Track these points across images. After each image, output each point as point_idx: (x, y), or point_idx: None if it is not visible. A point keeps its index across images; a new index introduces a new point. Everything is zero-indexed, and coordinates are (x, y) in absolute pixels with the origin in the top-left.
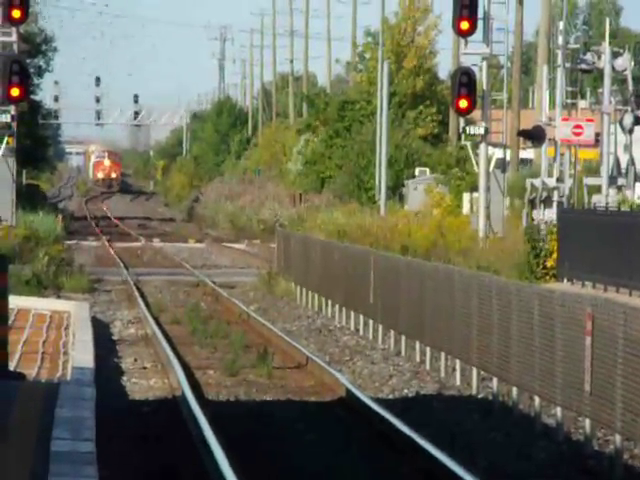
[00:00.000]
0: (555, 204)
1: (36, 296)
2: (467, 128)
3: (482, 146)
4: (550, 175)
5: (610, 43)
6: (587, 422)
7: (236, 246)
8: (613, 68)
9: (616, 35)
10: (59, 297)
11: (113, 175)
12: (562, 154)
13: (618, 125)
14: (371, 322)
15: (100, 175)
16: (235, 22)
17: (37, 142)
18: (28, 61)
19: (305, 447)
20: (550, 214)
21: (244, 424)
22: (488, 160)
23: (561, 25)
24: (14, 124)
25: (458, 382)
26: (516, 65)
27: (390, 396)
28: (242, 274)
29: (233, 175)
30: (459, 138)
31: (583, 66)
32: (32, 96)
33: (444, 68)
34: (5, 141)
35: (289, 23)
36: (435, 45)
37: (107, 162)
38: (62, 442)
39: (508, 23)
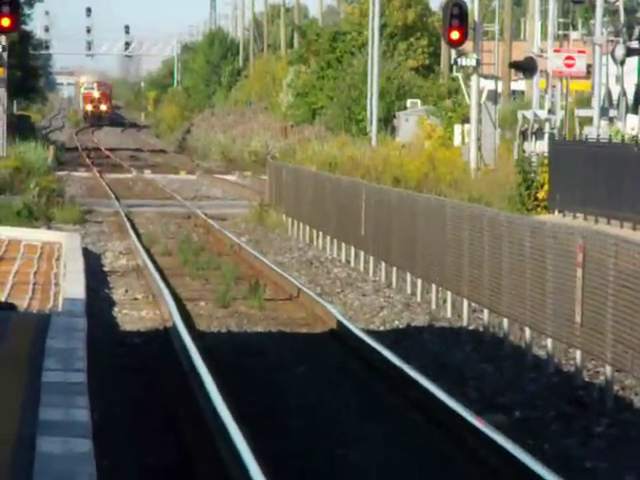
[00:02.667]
0: (546, 136)
1: (27, 227)
2: (459, 60)
3: (474, 78)
4: (542, 107)
5: None
6: (578, 353)
7: (227, 177)
8: None
9: None
10: (50, 228)
11: (102, 107)
12: (554, 86)
13: (610, 56)
14: (362, 254)
15: (89, 107)
16: None
17: (28, 73)
18: None
19: (296, 378)
20: (541, 146)
21: (235, 355)
22: (480, 92)
23: None
24: (5, 54)
25: (449, 314)
26: None
27: (381, 328)
28: (233, 206)
29: (224, 107)
30: (451, 70)
31: None
32: (22, 26)
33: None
34: None
35: None
36: None
37: (96, 94)
38: (53, 373)
39: None
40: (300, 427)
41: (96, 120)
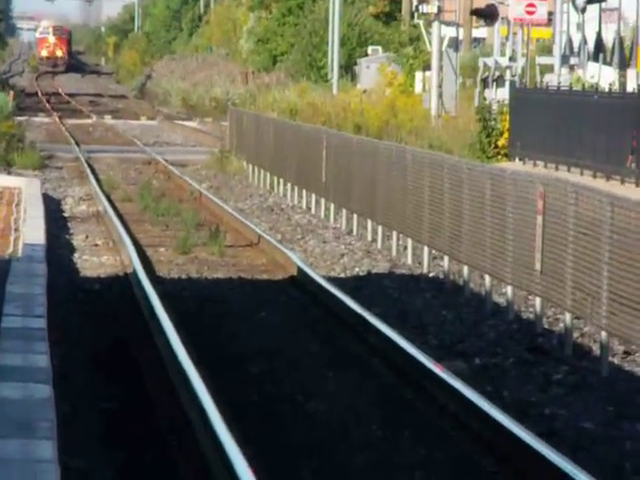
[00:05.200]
0: (507, 83)
1: None
2: (420, 7)
3: (435, 25)
4: (503, 54)
5: None
6: (537, 301)
7: (188, 124)
8: None
9: None
10: (10, 173)
11: (58, 53)
12: (515, 33)
13: (571, 4)
14: (323, 201)
15: (44, 53)
16: None
17: None
18: None
19: (256, 325)
20: (502, 93)
21: (195, 302)
22: (441, 39)
23: None
24: None
25: (409, 261)
26: None
27: (342, 275)
28: (194, 152)
29: (185, 53)
30: (412, 17)
31: None
32: None
33: None
34: None
35: None
36: None
37: (52, 39)
38: (13, 318)
39: None
40: (260, 374)
41: (51, 66)
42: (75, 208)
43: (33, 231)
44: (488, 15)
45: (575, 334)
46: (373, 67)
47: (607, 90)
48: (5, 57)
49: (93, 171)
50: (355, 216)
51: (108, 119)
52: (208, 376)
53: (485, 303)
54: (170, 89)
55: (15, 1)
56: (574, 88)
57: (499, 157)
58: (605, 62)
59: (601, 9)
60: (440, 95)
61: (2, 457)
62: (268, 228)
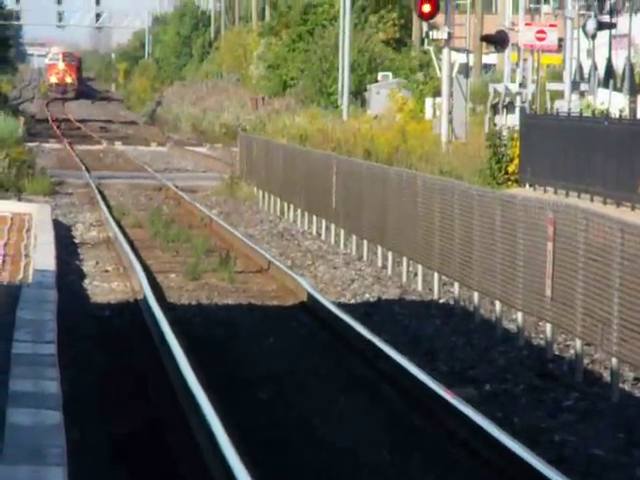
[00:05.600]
0: (518, 109)
1: None
2: (430, 33)
3: (445, 51)
4: (513, 80)
5: None
6: (548, 327)
7: (198, 150)
8: None
9: None
10: (20, 199)
11: (68, 80)
12: (525, 59)
13: (581, 30)
14: (333, 227)
15: (53, 79)
16: None
17: None
18: None
19: (266, 351)
20: (512, 119)
21: (206, 328)
22: (451, 65)
23: None
24: None
25: (420, 287)
26: None
27: (352, 301)
28: (204, 178)
29: (195, 79)
30: (422, 43)
31: None
32: None
33: None
34: None
35: None
36: None
37: (61, 65)
38: (23, 344)
39: None
40: (269, 398)
41: (61, 93)
42: (85, 234)
43: (43, 257)
44: (498, 41)
45: (586, 360)
46: (383, 93)
47: (617, 116)
48: (15, 83)
49: (103, 197)
50: (365, 242)
51: (118, 145)
52: (217, 400)
53: (495, 329)
54: (180, 115)
55: (26, 27)
56: (584, 114)
57: (509, 183)
58: (615, 88)
59: (611, 35)
60: (450, 121)
61: None
62: (278, 254)
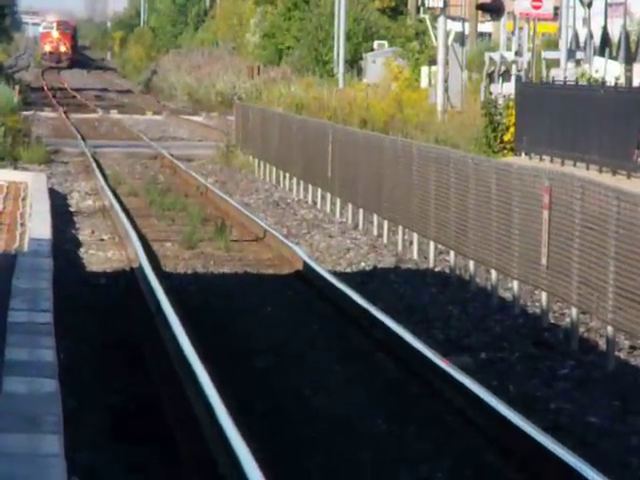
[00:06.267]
0: (513, 78)
1: None
2: (426, 1)
3: (441, 19)
4: (509, 49)
5: None
6: (543, 295)
7: (194, 118)
8: None
9: None
10: (16, 168)
11: (62, 48)
12: (521, 28)
13: None
14: (329, 196)
15: (47, 48)
16: None
17: None
18: None
19: (262, 320)
20: (508, 88)
21: (201, 296)
22: (447, 34)
23: None
24: None
25: (415, 256)
26: None
27: (347, 269)
28: (200, 147)
29: (191, 47)
30: (418, 11)
31: None
32: None
33: None
34: None
35: None
36: None
37: (55, 34)
38: (19, 313)
39: None
40: (266, 368)
41: (55, 61)
42: (81, 203)
43: (39, 226)
44: (494, 10)
45: (581, 329)
46: (379, 62)
47: (613, 85)
48: (11, 52)
49: (99, 166)
50: (361, 211)
51: (114, 114)
52: (214, 371)
53: (491, 298)
54: (176, 84)
55: None
56: (580, 83)
57: (505, 152)
58: (611, 57)
59: (607, 3)
60: (446, 90)
61: (9, 451)
62: (274, 223)
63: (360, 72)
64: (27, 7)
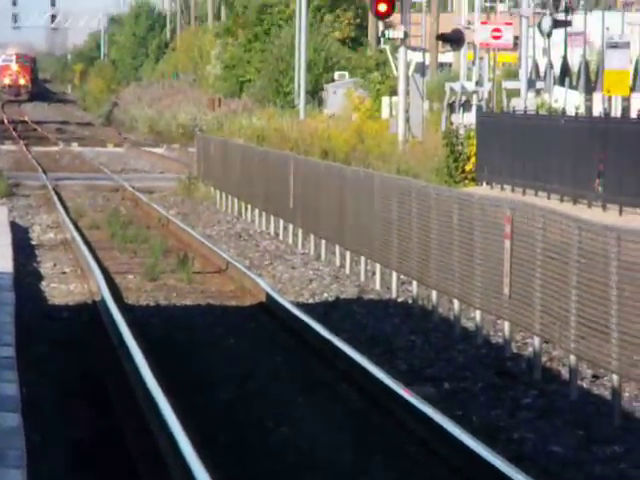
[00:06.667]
0: (474, 108)
1: None
2: (386, 32)
3: (401, 50)
4: (469, 79)
5: None
6: (506, 325)
7: (155, 150)
8: None
9: None
10: None
11: (22, 82)
12: (481, 58)
13: (537, 29)
14: (291, 227)
15: (6, 81)
16: None
17: None
18: None
19: (225, 351)
20: (469, 118)
21: (164, 328)
22: (407, 64)
23: None
24: None
25: (378, 286)
26: None
27: (310, 300)
28: (161, 179)
29: (151, 79)
30: (378, 42)
31: None
32: None
33: None
34: None
35: None
36: None
37: (15, 67)
38: None
39: None
40: (229, 399)
41: (14, 95)
42: (43, 236)
43: (0, 259)
44: (454, 40)
45: (544, 358)
46: (340, 92)
47: (573, 114)
48: None
49: (60, 199)
50: (323, 242)
51: (75, 146)
52: (177, 403)
53: (454, 328)
54: (137, 116)
55: None
56: (540, 112)
57: (466, 182)
58: (571, 86)
59: (567, 33)
60: (407, 120)
61: None
62: (236, 254)
63: (321, 103)
64: None
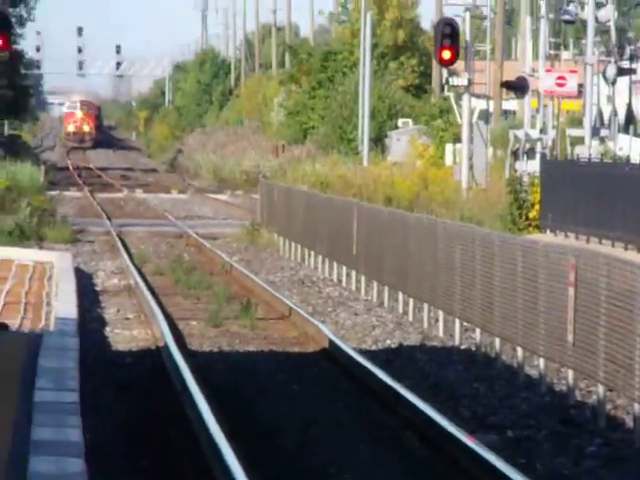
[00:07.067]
0: (538, 155)
1: (19, 247)
2: (450, 79)
3: (465, 97)
4: (533, 126)
5: None
6: (570, 373)
7: (219, 197)
8: (596, 19)
9: None
10: (42, 248)
11: (86, 129)
12: (545, 105)
13: (601, 76)
14: (354, 273)
15: (71, 128)
16: None
17: (19, 92)
18: (10, 10)
19: (288, 398)
20: (533, 165)
21: (227, 374)
22: (471, 111)
23: None
24: None
25: (441, 333)
26: (499, 16)
27: (373, 347)
28: (225, 225)
29: (215, 126)
30: (442, 89)
31: (566, 17)
32: (14, 46)
33: (426, 18)
34: None
35: None
36: None
37: (79, 114)
38: (45, 392)
39: None
40: (293, 446)
41: (78, 141)
42: (107, 282)
43: (65, 305)
44: (518, 87)
45: (608, 406)
46: (403, 139)
47: (638, 162)
48: (36, 132)
49: (124, 245)
50: (386, 288)
51: (139, 193)
52: (241, 449)
53: (518, 375)
54: (201, 162)
55: (47, 76)
56: (604, 160)
57: (530, 229)
58: (636, 134)
59: (631, 81)
60: (471, 167)
61: None
62: (299, 301)
63: (385, 150)
64: (53, 87)
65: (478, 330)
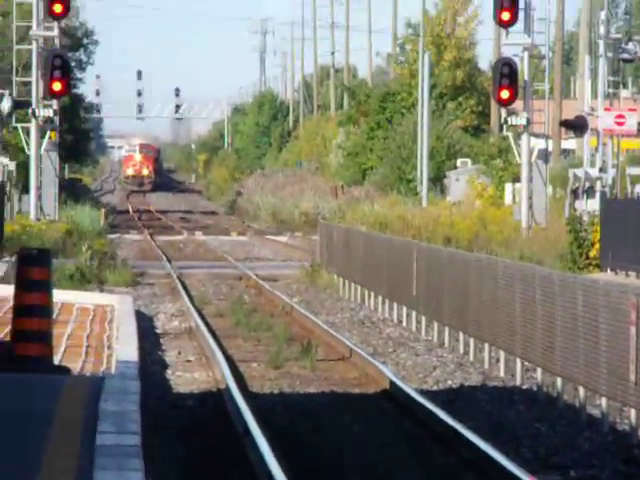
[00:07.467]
0: (598, 194)
1: (80, 290)
2: (509, 119)
3: (524, 136)
4: (593, 165)
5: None
6: (632, 412)
7: (278, 238)
8: None
9: None
10: (102, 291)
11: (145, 172)
12: (604, 144)
13: None
14: (414, 313)
15: (130, 171)
16: (276, 14)
17: (79, 136)
18: (69, 55)
19: (350, 439)
20: (592, 204)
21: (288, 416)
22: (530, 150)
23: (602, 14)
24: (56, 118)
25: (502, 373)
26: (558, 55)
27: (434, 387)
28: (285, 267)
29: (274, 168)
30: (501, 129)
31: (625, 55)
32: (74, 90)
33: (484, 58)
34: (48, 135)
35: (330, 15)
36: (475, 36)
37: (138, 157)
38: (107, 436)
39: (549, 13)
40: None
41: (137, 185)
42: (167, 324)
43: (126, 348)
44: (577, 126)
45: None
46: (462, 179)
47: None
48: (96, 175)
49: (185, 287)
50: (447, 329)
51: (199, 235)
52: None
53: (580, 415)
54: (260, 204)
55: (106, 120)
56: None
57: (591, 268)
58: None
59: None
60: (530, 206)
61: None
62: (359, 341)
63: (444, 190)
64: (112, 131)
65: (539, 370)
